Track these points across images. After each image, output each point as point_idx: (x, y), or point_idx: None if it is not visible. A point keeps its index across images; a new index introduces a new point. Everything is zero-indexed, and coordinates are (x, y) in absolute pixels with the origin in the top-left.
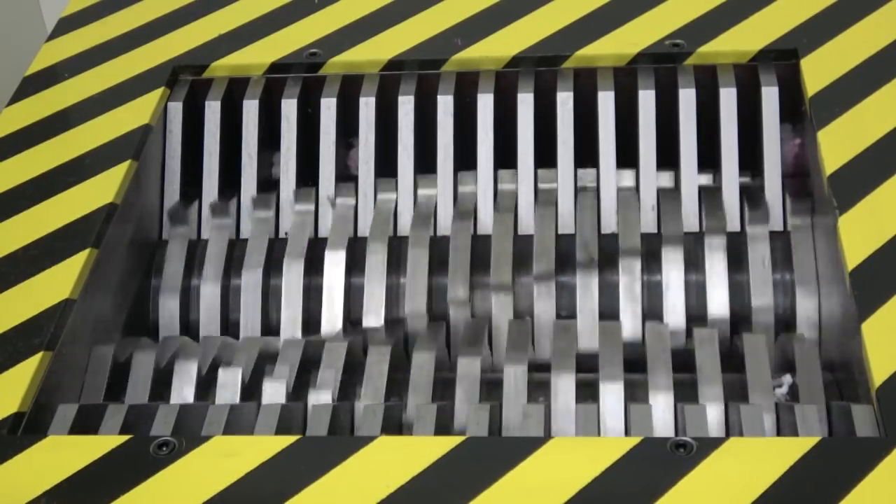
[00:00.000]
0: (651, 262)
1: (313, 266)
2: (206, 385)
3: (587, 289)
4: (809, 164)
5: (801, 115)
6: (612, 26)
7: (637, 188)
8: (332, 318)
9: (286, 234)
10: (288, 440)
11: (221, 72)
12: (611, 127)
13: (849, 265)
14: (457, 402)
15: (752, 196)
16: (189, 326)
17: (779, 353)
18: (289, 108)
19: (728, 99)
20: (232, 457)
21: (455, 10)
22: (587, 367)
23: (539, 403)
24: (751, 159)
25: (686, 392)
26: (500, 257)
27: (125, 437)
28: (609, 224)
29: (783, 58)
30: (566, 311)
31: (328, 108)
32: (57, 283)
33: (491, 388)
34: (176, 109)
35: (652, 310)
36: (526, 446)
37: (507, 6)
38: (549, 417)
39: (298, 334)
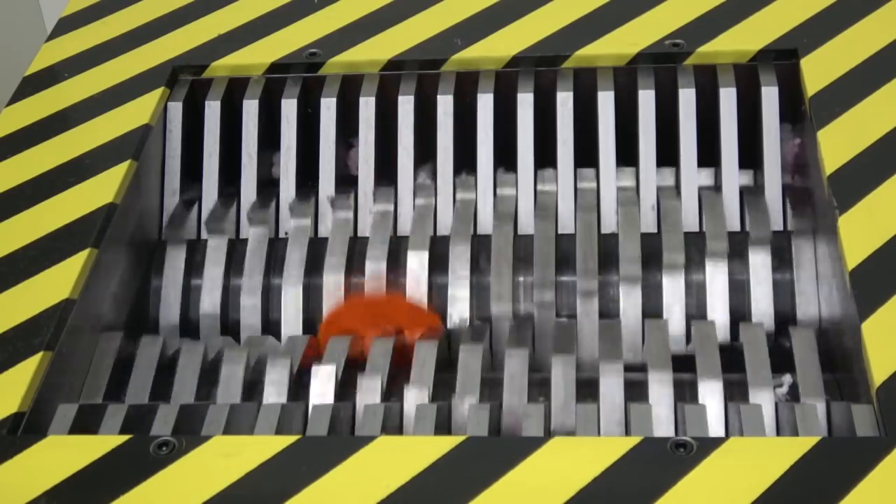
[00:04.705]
0: (651, 262)
1: (313, 266)
2: (207, 385)
3: (588, 289)
4: (809, 164)
5: (801, 115)
6: (612, 26)
7: (637, 188)
8: None
9: (286, 233)
10: (288, 440)
11: (221, 72)
12: (611, 127)
13: (849, 265)
14: (455, 401)
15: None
16: (189, 327)
17: (778, 353)
18: (289, 108)
19: (728, 99)
20: (232, 457)
21: (455, 10)
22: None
23: (539, 403)
24: (751, 159)
25: (686, 392)
26: (499, 258)
27: (125, 437)
28: (609, 224)
29: (783, 58)
30: (566, 311)
31: (328, 108)
32: (57, 283)
33: (491, 387)
34: (176, 109)
35: (652, 309)
36: (526, 446)
37: (507, 6)
38: (548, 417)
39: (299, 334)
